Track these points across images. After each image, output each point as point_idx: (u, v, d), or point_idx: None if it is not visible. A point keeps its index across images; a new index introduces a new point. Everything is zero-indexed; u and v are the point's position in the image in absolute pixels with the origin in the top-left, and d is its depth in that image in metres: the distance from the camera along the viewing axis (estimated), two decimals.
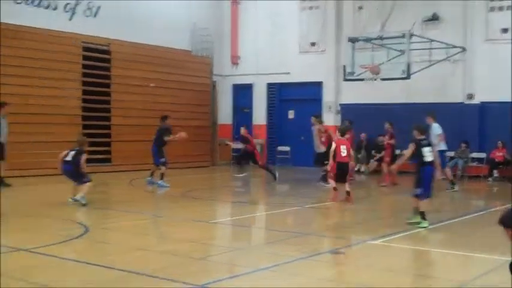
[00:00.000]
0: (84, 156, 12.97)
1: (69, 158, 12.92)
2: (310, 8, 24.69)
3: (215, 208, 13.93)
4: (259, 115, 26.10)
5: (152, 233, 10.03)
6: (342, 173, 13.62)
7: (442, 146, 15.97)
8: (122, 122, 21.63)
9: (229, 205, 14.57)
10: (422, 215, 10.39)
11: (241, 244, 9.41)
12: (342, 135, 14.12)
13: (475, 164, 20.78)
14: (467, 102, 20.96)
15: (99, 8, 21.29)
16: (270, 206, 14.35)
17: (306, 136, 23.16)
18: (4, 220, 11.31)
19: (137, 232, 10.02)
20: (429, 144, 10.83)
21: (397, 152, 18.20)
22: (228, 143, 22.47)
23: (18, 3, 19.11)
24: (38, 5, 19.66)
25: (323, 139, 17.54)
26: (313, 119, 18.46)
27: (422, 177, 10.55)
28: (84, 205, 12.47)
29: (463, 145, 20.57)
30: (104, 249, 8.82)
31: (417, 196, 10.51)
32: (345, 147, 13.62)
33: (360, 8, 23.28)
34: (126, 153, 21.38)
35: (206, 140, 25.06)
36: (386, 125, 18.50)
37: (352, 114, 23.23)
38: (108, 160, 21.30)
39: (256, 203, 15.35)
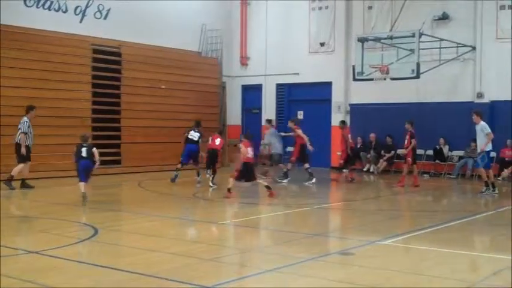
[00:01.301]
0: (96, 151, 13.74)
1: (85, 154, 13.53)
2: (320, 8, 24.66)
3: (224, 209, 13.96)
4: (269, 116, 26.08)
5: (162, 234, 10.06)
6: (246, 171, 14.86)
7: (490, 146, 15.86)
8: (132, 124, 21.70)
9: (238, 206, 14.59)
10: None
11: (251, 245, 9.44)
12: (247, 138, 15.56)
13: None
14: (477, 101, 20.87)
15: (109, 10, 21.41)
16: (279, 206, 14.36)
17: (315, 137, 23.19)
18: (14, 222, 11.42)
19: (147, 234, 10.05)
20: None
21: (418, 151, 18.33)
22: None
23: (28, 6, 19.25)
24: (49, 8, 19.79)
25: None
26: (290, 124, 19.38)
27: None
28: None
29: (473, 144, 20.40)
30: (114, 251, 8.86)
31: None
32: (251, 149, 15.12)
33: (370, 7, 23.24)
34: (136, 155, 21.46)
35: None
36: (407, 125, 17.70)
37: (361, 114, 23.24)
38: (118, 162, 21.37)
39: (266, 203, 15.36)
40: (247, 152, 14.92)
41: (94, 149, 13.66)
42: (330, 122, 23.94)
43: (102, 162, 20.45)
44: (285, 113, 25.87)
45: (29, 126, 16.07)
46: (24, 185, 16.04)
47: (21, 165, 15.89)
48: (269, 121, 19.90)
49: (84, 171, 13.60)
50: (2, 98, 17.62)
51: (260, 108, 26.49)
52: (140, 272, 7.19)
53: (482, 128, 15.76)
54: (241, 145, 15.35)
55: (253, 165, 15.35)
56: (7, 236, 9.92)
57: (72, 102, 19.88)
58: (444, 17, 21.45)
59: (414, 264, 8.10)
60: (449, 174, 20.75)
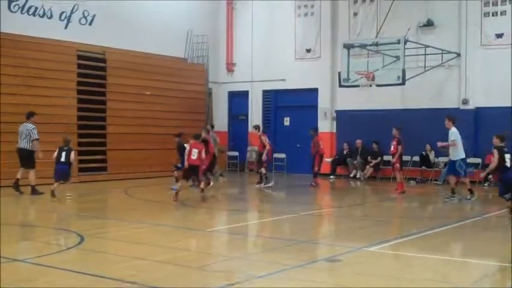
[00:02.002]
0: (74, 154, 15.13)
1: (63, 159, 14.73)
2: (305, 14, 24.75)
3: (212, 216, 13.91)
4: (255, 122, 26.04)
5: (149, 242, 10.00)
6: (190, 172, 15.24)
7: (461, 154, 15.60)
8: (118, 131, 21.61)
9: (226, 213, 14.56)
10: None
11: (238, 252, 9.40)
12: (196, 139, 15.48)
13: (470, 169, 20.75)
14: (462, 107, 21.00)
15: (94, 16, 21.33)
16: (266, 213, 14.35)
17: (302, 143, 23.28)
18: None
19: (134, 241, 9.99)
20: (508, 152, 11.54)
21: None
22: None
23: (13, 12, 19.14)
24: (34, 14, 19.70)
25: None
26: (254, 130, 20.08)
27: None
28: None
29: None
30: (101, 259, 8.79)
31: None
32: (197, 150, 15.06)
33: (355, 14, 23.35)
34: (122, 162, 21.37)
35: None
36: (394, 131, 17.56)
37: (348, 120, 23.30)
38: (104, 169, 21.27)
39: (253, 210, 15.35)
40: (190, 152, 14.97)
41: (72, 153, 14.73)
42: (317, 129, 23.96)
43: (88, 169, 20.52)
44: (272, 119, 25.89)
45: (38, 133, 16.27)
46: (33, 190, 16.10)
47: (33, 171, 16.14)
48: (256, 127, 19.97)
49: (61, 176, 14.84)
50: None
51: (247, 115, 26.49)
52: (128, 280, 7.13)
53: (450, 134, 15.63)
54: (187, 145, 15.51)
55: (197, 167, 15.24)
56: None
57: (58, 109, 19.76)
58: (429, 24, 21.58)
59: (401, 271, 8.11)
60: (436, 180, 20.83)
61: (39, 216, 12.82)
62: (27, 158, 16.11)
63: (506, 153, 11.80)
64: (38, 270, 7.74)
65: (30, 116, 16.44)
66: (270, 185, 19.03)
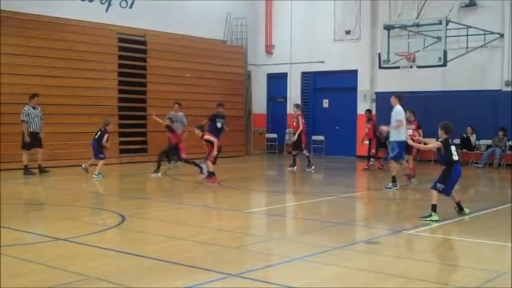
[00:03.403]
0: (107, 135, 16.17)
1: (96, 137, 16.21)
2: None
3: (250, 198, 14.00)
4: (294, 104, 26.07)
5: (188, 222, 10.12)
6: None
7: (402, 136, 13.96)
8: (158, 113, 21.67)
9: (264, 195, 14.62)
10: (434, 208, 10.17)
11: (276, 234, 9.45)
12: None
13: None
14: (505, 89, 20.62)
15: None
16: (305, 195, 14.36)
17: (341, 125, 23.17)
18: (41, 209, 11.58)
19: (173, 221, 10.13)
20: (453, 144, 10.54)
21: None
22: None
23: None
24: None
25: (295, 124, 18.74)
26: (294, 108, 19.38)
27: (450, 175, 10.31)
28: (97, 179, 15.58)
29: (501, 133, 20.28)
30: (141, 239, 8.95)
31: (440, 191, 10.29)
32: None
33: None
34: (162, 143, 21.49)
35: (240, 130, 25.12)
36: (407, 114, 15.43)
37: (387, 102, 23.00)
38: (144, 150, 21.52)
39: (291, 192, 15.37)
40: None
41: (106, 135, 16.14)
42: (356, 111, 23.84)
43: (129, 151, 20.79)
44: (310, 101, 25.81)
45: (28, 115, 16.42)
46: (41, 170, 16.64)
47: (25, 152, 16.46)
48: (297, 106, 19.55)
49: (93, 150, 16.27)
50: (24, 86, 17.68)
51: (285, 97, 26.45)
52: (166, 260, 7.25)
53: (396, 113, 14.21)
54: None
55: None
56: (36, 223, 10.09)
57: (98, 91, 20.05)
58: (471, 4, 21.19)
59: (439, 254, 8.06)
60: (477, 163, 20.54)
61: (80, 197, 13.06)
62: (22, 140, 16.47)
63: (452, 144, 10.74)
64: (80, 249, 7.91)
65: (31, 97, 16.61)
66: (312, 168, 18.61)
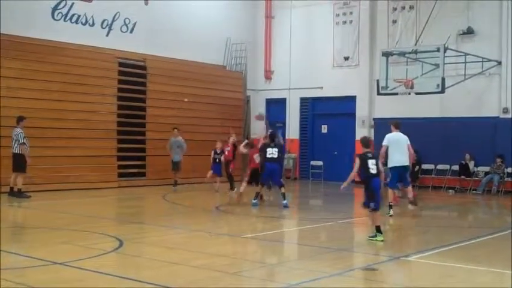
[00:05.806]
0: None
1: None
2: (344, 22, 24.72)
3: (248, 222, 13.96)
4: (293, 129, 26.15)
5: (185, 247, 10.09)
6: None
7: (394, 162, 14.51)
8: (157, 137, 21.85)
9: (262, 220, 14.58)
10: (378, 229, 10.33)
11: (274, 259, 9.42)
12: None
13: (510, 179, 20.44)
14: (502, 116, 20.69)
15: (135, 24, 21.70)
16: (303, 221, 14.33)
17: (339, 151, 23.19)
18: (38, 233, 11.53)
19: (171, 246, 10.09)
20: (373, 157, 10.67)
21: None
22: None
23: (56, 20, 19.54)
24: (76, 22, 20.08)
25: None
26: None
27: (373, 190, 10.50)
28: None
29: (498, 160, 20.31)
30: (138, 264, 8.91)
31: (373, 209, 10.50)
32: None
33: (394, 21, 23.23)
34: (161, 168, 21.57)
35: (239, 155, 25.05)
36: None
37: (385, 128, 23.05)
38: (142, 174, 21.52)
39: (289, 217, 15.33)
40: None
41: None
42: (355, 136, 23.87)
43: (127, 175, 20.78)
44: (309, 126, 25.87)
45: (24, 137, 16.31)
46: (18, 193, 16.19)
47: (21, 175, 16.23)
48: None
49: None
50: (21, 110, 17.47)
51: (284, 122, 26.51)
52: (163, 285, 7.21)
53: (385, 138, 14.78)
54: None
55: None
56: (32, 246, 10.03)
57: (97, 115, 20.09)
58: (469, 32, 21.35)
59: (438, 281, 8.03)
60: (475, 190, 20.54)
61: (78, 221, 13.01)
62: (16, 162, 16.31)
63: (371, 158, 10.57)
64: (77, 274, 7.87)
65: (19, 120, 16.48)
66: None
